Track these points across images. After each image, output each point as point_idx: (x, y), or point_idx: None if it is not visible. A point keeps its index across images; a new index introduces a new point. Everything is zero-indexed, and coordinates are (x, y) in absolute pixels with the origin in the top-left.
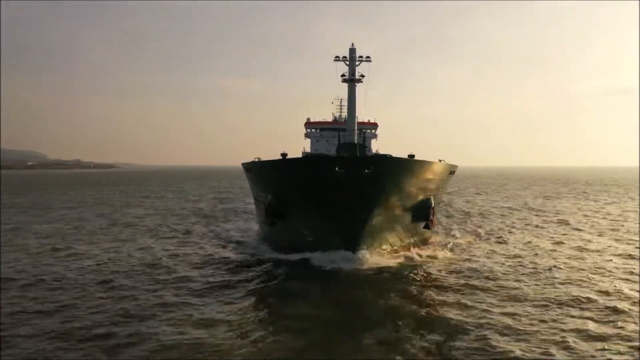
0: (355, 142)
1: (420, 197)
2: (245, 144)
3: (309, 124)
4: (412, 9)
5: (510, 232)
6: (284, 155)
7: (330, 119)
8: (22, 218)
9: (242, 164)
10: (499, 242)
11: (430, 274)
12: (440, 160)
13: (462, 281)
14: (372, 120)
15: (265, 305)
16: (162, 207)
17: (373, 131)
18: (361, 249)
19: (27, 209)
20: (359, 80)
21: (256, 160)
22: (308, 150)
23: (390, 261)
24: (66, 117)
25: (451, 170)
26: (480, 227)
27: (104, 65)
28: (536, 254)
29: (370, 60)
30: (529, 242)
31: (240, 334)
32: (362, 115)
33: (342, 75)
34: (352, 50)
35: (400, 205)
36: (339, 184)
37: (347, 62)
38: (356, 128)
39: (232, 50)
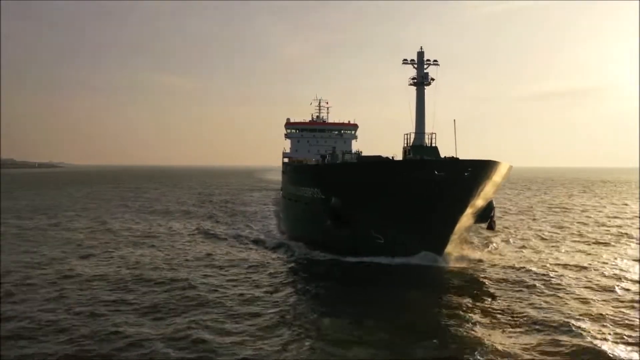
0: (425, 145)
1: (489, 199)
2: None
3: (289, 125)
4: (342, 11)
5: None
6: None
7: (301, 119)
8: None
9: (284, 164)
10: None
11: (497, 273)
12: None
13: (527, 279)
14: (352, 121)
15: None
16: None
17: (353, 132)
18: (445, 251)
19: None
20: (429, 84)
21: (304, 162)
22: (288, 151)
23: (462, 262)
24: None
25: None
26: (533, 227)
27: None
28: None
29: (438, 64)
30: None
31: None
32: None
33: (413, 79)
34: (421, 54)
35: (477, 207)
36: (437, 187)
37: (415, 65)
38: (425, 131)
39: (163, 47)
